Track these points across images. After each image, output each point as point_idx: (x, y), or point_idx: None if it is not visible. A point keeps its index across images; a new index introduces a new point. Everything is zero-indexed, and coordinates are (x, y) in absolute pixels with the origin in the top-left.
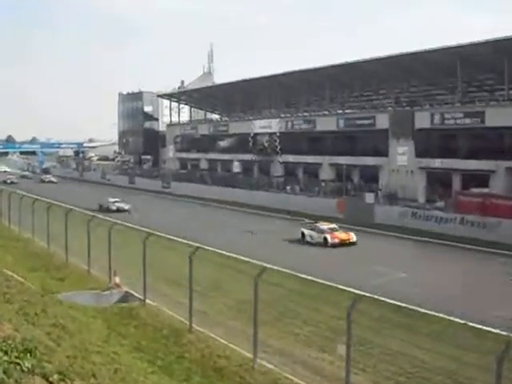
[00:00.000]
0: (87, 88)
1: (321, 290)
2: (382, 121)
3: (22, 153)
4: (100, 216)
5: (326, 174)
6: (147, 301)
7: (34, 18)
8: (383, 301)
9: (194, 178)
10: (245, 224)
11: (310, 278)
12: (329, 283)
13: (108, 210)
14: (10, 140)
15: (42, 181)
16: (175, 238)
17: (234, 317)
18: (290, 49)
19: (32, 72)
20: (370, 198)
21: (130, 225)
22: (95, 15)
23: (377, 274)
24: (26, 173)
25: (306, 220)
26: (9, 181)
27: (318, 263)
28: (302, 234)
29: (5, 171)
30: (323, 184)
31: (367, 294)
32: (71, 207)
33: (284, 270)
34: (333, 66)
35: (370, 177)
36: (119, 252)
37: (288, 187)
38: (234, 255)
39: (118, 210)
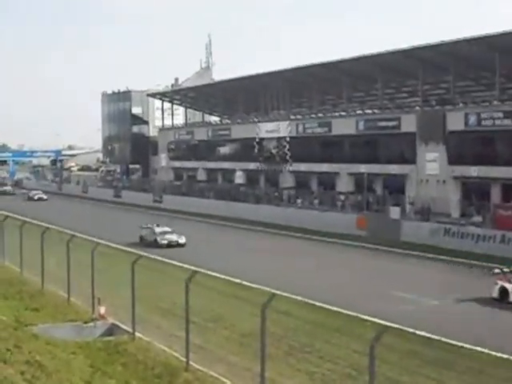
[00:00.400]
0: (66, 88)
1: (339, 321)
2: (409, 123)
3: None
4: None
5: (344, 184)
6: (137, 334)
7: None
8: (412, 333)
9: (191, 191)
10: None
11: (326, 306)
12: (349, 312)
13: (156, 245)
14: None
15: (31, 198)
16: (169, 261)
17: (237, 352)
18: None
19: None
20: (395, 212)
21: (114, 245)
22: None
23: (404, 302)
24: (7, 187)
25: None
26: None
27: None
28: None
29: None
30: (342, 197)
31: (394, 325)
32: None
33: (296, 297)
34: (350, 60)
35: (395, 188)
36: (104, 277)
37: (299, 200)
38: (239, 281)
39: (170, 245)
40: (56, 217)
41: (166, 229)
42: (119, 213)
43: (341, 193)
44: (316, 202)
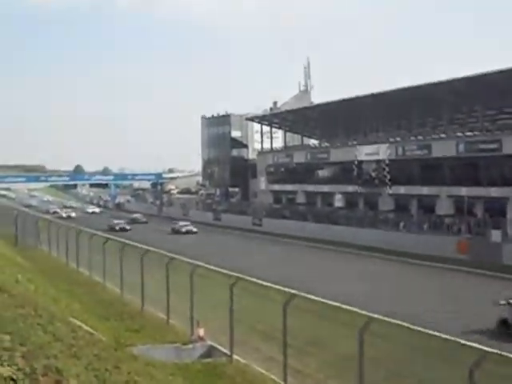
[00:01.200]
0: (167, 112)
1: (438, 345)
2: (510, 144)
3: (92, 185)
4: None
5: (444, 207)
6: (235, 356)
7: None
8: None
9: (290, 214)
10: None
11: (425, 330)
12: (448, 337)
13: None
14: (78, 170)
15: (177, 231)
16: (267, 284)
17: (335, 375)
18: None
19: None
20: (496, 235)
21: (214, 267)
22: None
23: None
24: (138, 215)
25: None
26: (117, 227)
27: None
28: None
29: (92, 211)
30: (447, 221)
31: (493, 350)
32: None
33: (394, 320)
34: (451, 81)
35: (497, 210)
36: (202, 299)
37: (401, 223)
38: (337, 304)
39: None
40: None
41: None
42: (217, 236)
43: (440, 216)
44: (425, 226)
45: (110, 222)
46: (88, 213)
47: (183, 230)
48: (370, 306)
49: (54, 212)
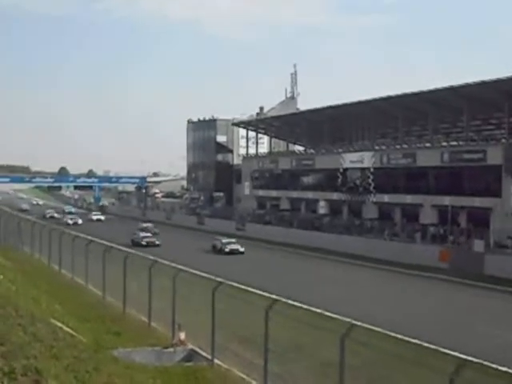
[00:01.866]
0: (152, 115)
1: (419, 353)
2: (495, 155)
3: (76, 187)
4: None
5: (428, 216)
6: (216, 361)
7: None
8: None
9: (274, 220)
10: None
11: (406, 338)
12: (429, 345)
13: None
14: (63, 172)
15: (221, 250)
16: (250, 289)
17: (317, 382)
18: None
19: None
20: (479, 245)
21: (197, 272)
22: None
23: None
24: (149, 224)
25: None
26: (141, 240)
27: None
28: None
29: (70, 212)
30: (432, 230)
31: (473, 359)
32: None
33: (375, 328)
34: (436, 91)
35: (480, 220)
36: (184, 303)
37: (386, 232)
38: (320, 311)
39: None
40: None
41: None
42: (198, 241)
43: (424, 225)
44: (417, 235)
45: (135, 235)
46: (92, 220)
47: (143, 242)
48: (332, 307)
49: (52, 217)
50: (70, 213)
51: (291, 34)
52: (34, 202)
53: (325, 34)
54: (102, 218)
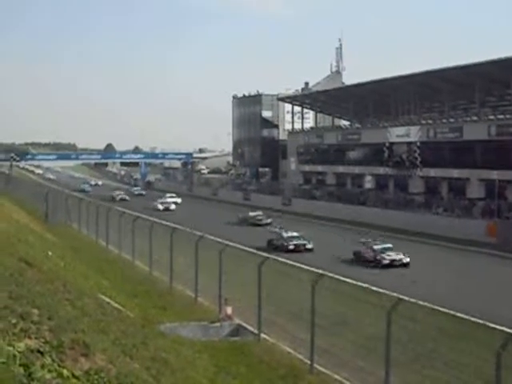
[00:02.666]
0: (198, 91)
1: (466, 327)
2: None
3: (122, 164)
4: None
5: (475, 191)
6: (262, 335)
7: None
8: None
9: (320, 195)
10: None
11: (452, 312)
12: (476, 320)
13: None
14: (109, 149)
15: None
16: (295, 264)
17: (362, 356)
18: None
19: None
20: None
21: (242, 247)
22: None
23: None
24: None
25: None
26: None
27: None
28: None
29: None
30: (479, 204)
31: None
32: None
33: (423, 303)
34: (483, 63)
35: None
36: (231, 278)
37: (436, 206)
38: (366, 285)
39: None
40: None
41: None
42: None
43: (470, 199)
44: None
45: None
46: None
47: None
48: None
49: (123, 199)
50: (141, 195)
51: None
52: (93, 182)
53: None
54: (178, 200)
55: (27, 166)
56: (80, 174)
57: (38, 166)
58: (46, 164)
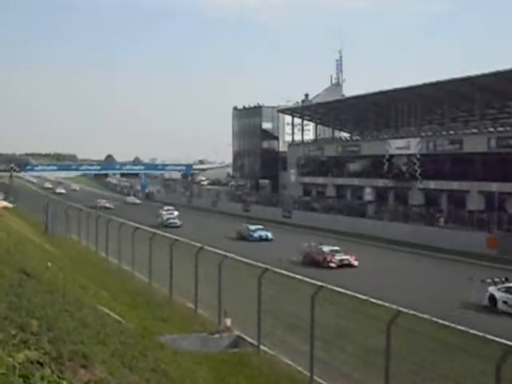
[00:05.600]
0: (199, 103)
1: (465, 339)
2: None
3: (122, 175)
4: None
5: (475, 203)
6: (261, 347)
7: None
8: None
9: (319, 207)
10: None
11: (452, 325)
12: (475, 332)
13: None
14: (109, 160)
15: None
16: (294, 276)
17: (361, 368)
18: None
19: (136, 83)
20: None
21: (243, 259)
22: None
23: None
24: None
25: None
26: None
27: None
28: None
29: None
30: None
31: None
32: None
33: (422, 315)
34: (484, 76)
35: None
36: (230, 290)
37: (439, 218)
38: (365, 297)
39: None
40: None
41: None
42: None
43: (470, 211)
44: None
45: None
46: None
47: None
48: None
49: (105, 207)
50: (135, 204)
51: (336, 19)
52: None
53: (371, 18)
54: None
55: (31, 179)
56: (91, 188)
57: (38, 177)
58: (46, 175)
